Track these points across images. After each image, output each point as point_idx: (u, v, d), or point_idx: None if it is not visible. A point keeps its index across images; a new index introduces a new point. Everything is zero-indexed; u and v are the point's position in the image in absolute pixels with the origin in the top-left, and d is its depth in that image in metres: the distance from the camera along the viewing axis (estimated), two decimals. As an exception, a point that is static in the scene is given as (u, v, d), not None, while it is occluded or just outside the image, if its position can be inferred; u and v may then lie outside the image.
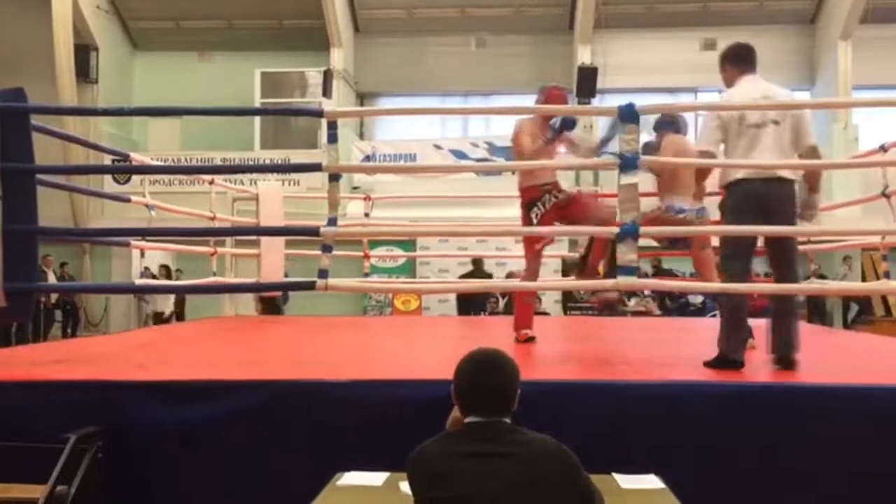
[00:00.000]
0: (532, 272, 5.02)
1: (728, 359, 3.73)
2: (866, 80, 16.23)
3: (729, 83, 4.08)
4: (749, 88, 3.95)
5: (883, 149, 6.03)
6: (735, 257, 3.90)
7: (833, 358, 5.00)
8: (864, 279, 14.29)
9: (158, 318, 13.44)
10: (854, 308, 14.87)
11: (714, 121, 3.91)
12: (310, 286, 3.93)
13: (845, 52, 16.38)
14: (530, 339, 5.01)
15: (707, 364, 3.80)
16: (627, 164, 3.75)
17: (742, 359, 3.74)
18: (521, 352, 4.57)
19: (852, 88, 16.07)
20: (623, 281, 3.80)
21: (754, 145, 3.82)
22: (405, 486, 2.27)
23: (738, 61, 4.06)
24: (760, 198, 3.77)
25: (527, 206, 4.94)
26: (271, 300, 8.93)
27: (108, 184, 14.80)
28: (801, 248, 8.30)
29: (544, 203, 4.87)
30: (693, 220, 4.71)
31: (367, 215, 8.98)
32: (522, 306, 5.14)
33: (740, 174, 3.82)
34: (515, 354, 2.36)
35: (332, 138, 3.99)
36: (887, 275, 6.30)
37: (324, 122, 4.07)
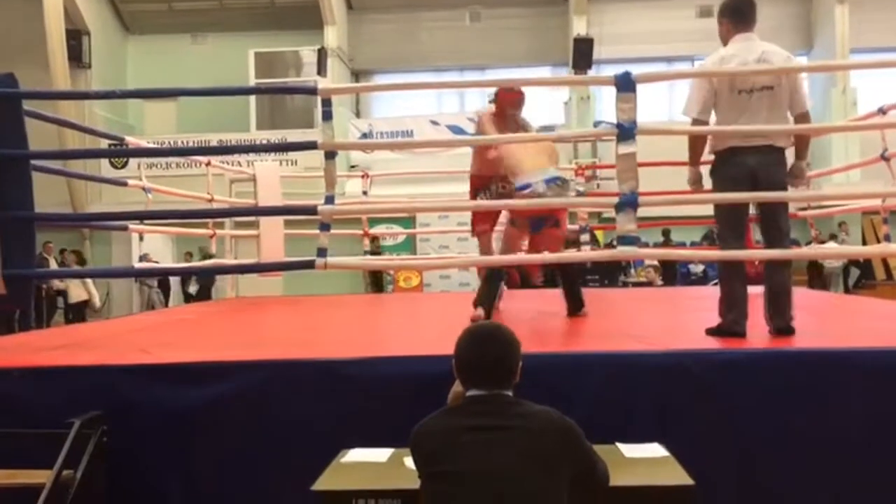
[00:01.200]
0: (505, 249, 4.91)
1: (730, 330, 3.70)
2: (864, 42, 16.12)
3: (724, 39, 3.90)
4: (742, 49, 3.78)
5: (882, 111, 6.00)
6: (729, 228, 3.84)
7: (836, 323, 5.01)
8: (864, 243, 14.30)
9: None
10: (855, 273, 14.87)
11: (705, 85, 3.78)
12: (309, 265, 3.91)
13: (843, 15, 16.26)
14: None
15: (709, 332, 3.79)
16: (625, 133, 3.72)
17: (744, 329, 3.71)
18: (524, 324, 4.56)
19: (850, 52, 15.97)
20: (622, 250, 3.79)
21: (744, 112, 3.70)
22: (409, 462, 2.27)
23: (737, 16, 3.87)
24: (751, 167, 3.69)
25: (473, 193, 5.19)
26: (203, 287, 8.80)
27: (105, 168, 14.78)
28: (801, 213, 8.36)
29: (488, 191, 5.08)
30: (545, 192, 4.42)
31: (365, 193, 8.97)
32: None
33: (731, 142, 3.73)
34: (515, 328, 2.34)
35: (327, 115, 3.95)
36: (888, 238, 6.28)
37: (318, 99, 4.04)
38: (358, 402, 3.16)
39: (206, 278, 14.03)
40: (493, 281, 4.78)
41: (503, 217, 5.12)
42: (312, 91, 4.14)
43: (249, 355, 3.49)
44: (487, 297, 4.68)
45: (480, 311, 4.53)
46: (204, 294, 14.07)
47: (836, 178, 13.16)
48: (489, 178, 5.09)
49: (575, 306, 4.90)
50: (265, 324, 5.78)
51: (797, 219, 9.21)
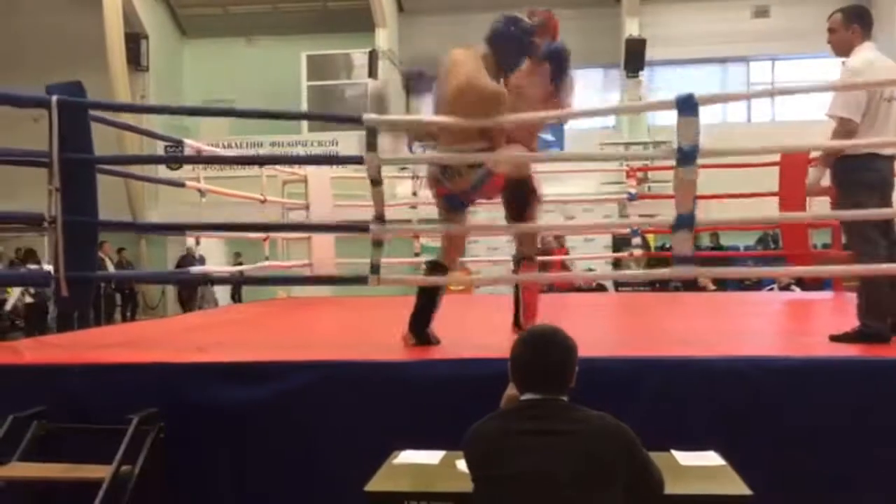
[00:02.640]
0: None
1: (870, 332, 3.62)
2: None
3: (848, 45, 3.79)
4: (879, 57, 3.73)
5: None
6: (860, 235, 3.75)
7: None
8: None
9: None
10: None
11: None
12: (362, 281, 3.89)
13: (898, 12, 15.79)
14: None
15: (838, 338, 3.69)
16: (686, 158, 3.48)
17: (886, 332, 3.61)
18: (582, 328, 4.51)
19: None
20: (679, 270, 3.68)
21: (882, 120, 3.66)
22: (462, 465, 2.27)
23: (867, 25, 3.79)
24: (884, 175, 3.68)
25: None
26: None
27: (161, 169, 15.06)
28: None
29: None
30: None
31: (415, 194, 8.98)
32: (531, 295, 4.25)
33: (869, 148, 3.66)
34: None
35: (372, 147, 3.70)
36: None
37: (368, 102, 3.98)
38: (410, 403, 3.17)
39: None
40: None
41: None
42: (357, 120, 3.78)
43: (302, 355, 3.52)
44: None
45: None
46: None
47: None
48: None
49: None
50: (317, 324, 5.83)
51: None
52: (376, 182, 3.78)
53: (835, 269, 3.66)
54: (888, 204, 3.76)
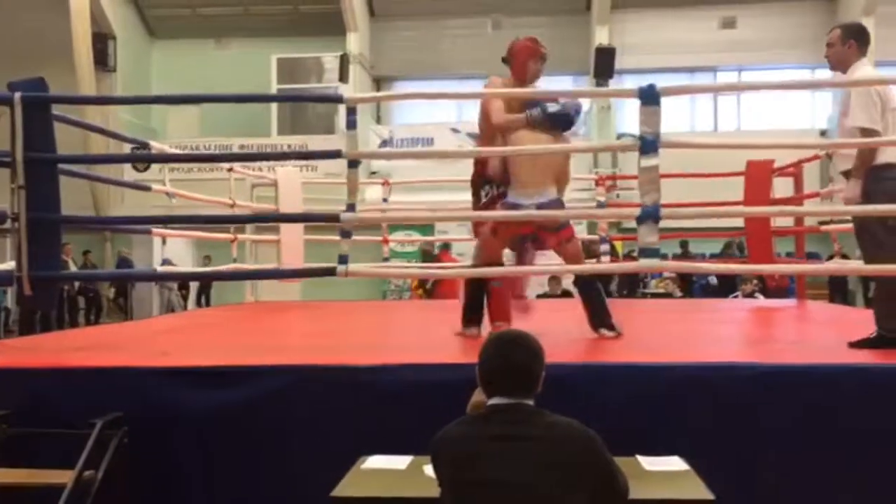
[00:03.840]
0: (485, 257, 4.36)
1: (890, 338, 3.66)
2: (890, 55, 15.97)
3: (845, 60, 3.90)
4: (875, 72, 3.85)
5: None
6: (872, 240, 3.79)
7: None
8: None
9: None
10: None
11: (875, 98, 3.76)
12: (330, 272, 3.93)
13: (869, 28, 16.11)
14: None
15: (857, 344, 3.73)
16: (648, 146, 3.68)
17: None
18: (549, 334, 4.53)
19: (876, 65, 15.80)
20: (644, 263, 3.78)
21: (888, 130, 3.73)
22: (429, 470, 2.27)
23: (864, 43, 3.91)
24: None
25: (478, 186, 4.48)
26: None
27: (127, 171, 14.90)
28: (823, 227, 8.27)
29: (491, 188, 4.39)
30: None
31: (385, 200, 8.99)
32: (494, 294, 4.30)
33: (889, 158, 3.72)
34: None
35: (352, 124, 3.96)
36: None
37: (342, 107, 4.05)
38: (378, 408, 3.17)
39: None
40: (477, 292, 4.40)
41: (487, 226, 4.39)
42: (338, 99, 4.16)
43: (270, 360, 3.51)
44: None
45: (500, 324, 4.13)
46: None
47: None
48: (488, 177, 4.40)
49: (597, 322, 4.29)
50: (285, 329, 5.80)
51: (819, 233, 9.17)
52: (354, 164, 3.89)
53: (804, 267, 3.72)
54: None
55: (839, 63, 3.94)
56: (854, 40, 3.90)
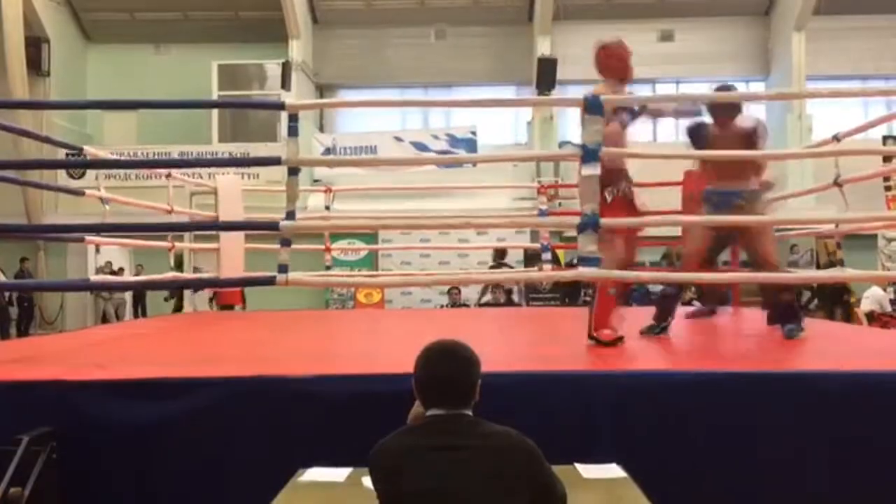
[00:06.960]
0: (614, 263, 4.10)
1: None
2: (820, 70, 16.53)
3: None
4: None
5: (836, 138, 6.12)
6: None
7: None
8: (818, 266, 14.57)
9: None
10: (806, 295, 15.10)
11: None
12: (270, 281, 3.88)
13: (799, 43, 16.66)
14: (617, 341, 4.21)
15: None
16: (590, 155, 3.76)
17: None
18: (487, 344, 4.55)
19: (806, 79, 16.35)
20: (584, 272, 3.81)
21: None
22: (368, 482, 2.25)
23: None
24: None
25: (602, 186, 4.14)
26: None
27: (61, 178, 14.53)
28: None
29: (616, 188, 4.27)
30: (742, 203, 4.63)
31: (328, 208, 8.92)
32: (603, 300, 4.24)
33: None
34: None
35: (293, 131, 3.94)
36: (842, 263, 6.41)
37: (284, 114, 4.02)
38: (316, 420, 3.13)
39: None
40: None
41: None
42: (280, 106, 4.13)
43: (206, 371, 3.44)
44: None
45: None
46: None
47: (792, 203, 13.42)
48: (620, 172, 4.31)
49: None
50: (223, 339, 5.70)
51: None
52: (294, 171, 3.88)
53: (738, 275, 3.86)
54: None
55: None
56: None
